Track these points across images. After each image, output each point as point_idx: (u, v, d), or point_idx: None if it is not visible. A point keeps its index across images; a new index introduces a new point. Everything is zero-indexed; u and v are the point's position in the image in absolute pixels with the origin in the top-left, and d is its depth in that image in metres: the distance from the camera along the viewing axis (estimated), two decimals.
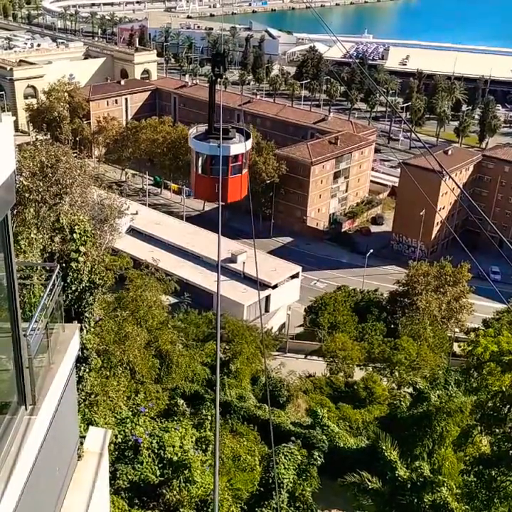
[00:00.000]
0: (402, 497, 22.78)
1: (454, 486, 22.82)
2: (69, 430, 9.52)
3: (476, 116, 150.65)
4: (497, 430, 26.36)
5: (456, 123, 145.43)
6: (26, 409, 7.55)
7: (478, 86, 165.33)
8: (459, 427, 28.80)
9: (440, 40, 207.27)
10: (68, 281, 19.06)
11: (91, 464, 9.82)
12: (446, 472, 26.82)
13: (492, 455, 24.30)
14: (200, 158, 21.26)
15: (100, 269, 20.59)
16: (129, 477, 18.63)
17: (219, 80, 19.56)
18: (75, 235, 19.64)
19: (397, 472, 23.38)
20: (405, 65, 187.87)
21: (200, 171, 21.31)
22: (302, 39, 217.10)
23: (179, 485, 19.00)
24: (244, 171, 21.26)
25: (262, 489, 22.86)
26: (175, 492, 18.89)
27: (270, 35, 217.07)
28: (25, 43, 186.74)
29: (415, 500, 22.10)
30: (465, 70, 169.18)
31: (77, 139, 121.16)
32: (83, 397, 20.17)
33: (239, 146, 20.57)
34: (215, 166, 20.43)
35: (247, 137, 21.28)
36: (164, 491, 19.00)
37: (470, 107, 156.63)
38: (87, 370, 20.19)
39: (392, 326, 66.15)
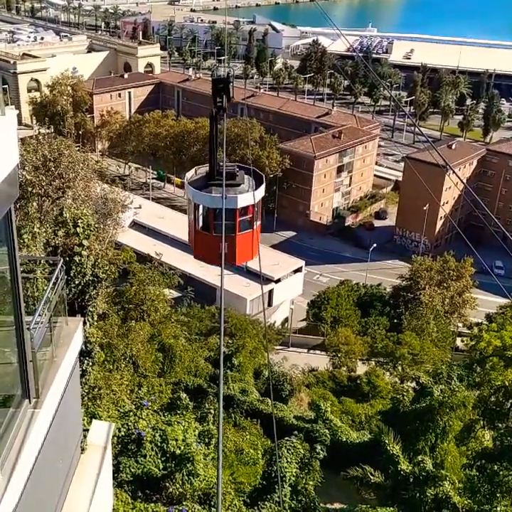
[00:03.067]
0: (404, 491, 22.82)
1: (456, 481, 22.85)
2: (72, 423, 9.54)
3: (480, 111, 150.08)
4: (500, 425, 26.41)
5: (460, 117, 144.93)
6: (30, 402, 7.57)
7: (483, 80, 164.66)
8: (461, 421, 28.82)
9: (444, 34, 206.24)
10: (72, 274, 19.10)
11: (94, 457, 9.84)
12: (449, 466, 26.83)
13: (494, 449, 24.34)
14: (201, 211, 17.71)
15: (103, 262, 20.62)
16: (132, 470, 18.69)
17: (223, 113, 15.88)
18: (78, 228, 19.66)
19: (399, 466, 23.40)
20: (409, 58, 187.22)
21: (200, 227, 17.78)
22: (306, 32, 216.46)
23: (182, 478, 19.06)
24: (256, 224, 17.48)
25: (264, 483, 22.92)
26: (178, 485, 18.96)
27: (274, 28, 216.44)
28: (29, 37, 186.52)
29: (418, 495, 22.13)
30: (469, 63, 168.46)
31: (80, 132, 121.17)
32: (86, 391, 20.23)
33: (248, 196, 16.78)
34: (219, 222, 16.66)
35: (259, 181, 17.37)
36: (167, 484, 19.07)
37: (474, 101, 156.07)
38: (91, 363, 20.25)
39: (395, 320, 66.13)
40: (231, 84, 15.89)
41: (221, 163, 16.69)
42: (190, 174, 18.40)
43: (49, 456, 7.80)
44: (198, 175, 18.14)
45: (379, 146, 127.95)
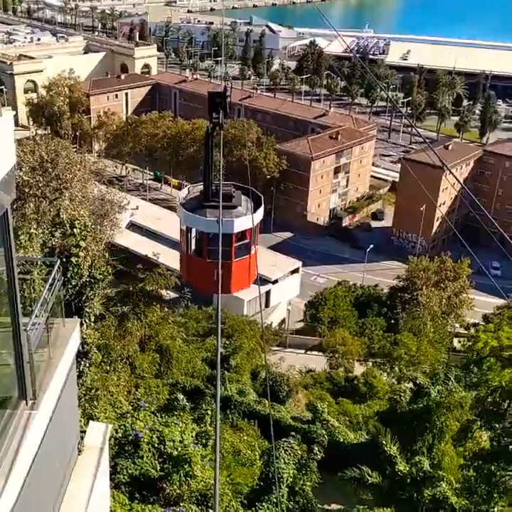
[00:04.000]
0: (401, 491, 22.85)
1: (453, 481, 22.88)
2: (69, 425, 9.53)
3: (477, 112, 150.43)
4: (497, 425, 26.44)
5: (456, 118, 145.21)
6: (27, 403, 7.56)
7: (479, 81, 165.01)
8: (458, 422, 28.85)
9: (441, 35, 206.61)
10: (68, 276, 19.07)
11: (91, 458, 9.83)
12: (446, 467, 26.85)
13: (491, 450, 24.36)
14: (193, 235, 16.50)
15: (100, 263, 20.60)
16: (130, 471, 18.67)
17: (220, 130, 14.84)
18: (75, 230, 19.64)
19: (396, 467, 23.43)
20: (406, 59, 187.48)
21: (192, 252, 16.60)
22: (303, 33, 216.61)
23: (179, 479, 19.04)
24: (254, 249, 16.33)
25: (262, 484, 22.92)
26: (175, 486, 18.94)
27: (271, 29, 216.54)
28: (25, 38, 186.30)
29: (415, 495, 22.16)
30: (466, 64, 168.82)
31: (77, 133, 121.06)
32: (83, 392, 20.20)
33: (246, 220, 15.62)
34: (214, 248, 15.41)
35: (257, 203, 16.29)
36: (164, 485, 19.05)
37: (471, 102, 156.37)
38: (88, 364, 20.22)
39: (392, 321, 66.19)
40: (228, 98, 14.86)
41: (217, 182, 15.67)
42: (183, 194, 17.26)
43: (46, 457, 7.79)
44: (192, 194, 16.90)
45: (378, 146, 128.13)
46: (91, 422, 10.84)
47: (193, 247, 16.65)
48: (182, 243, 16.98)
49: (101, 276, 20.46)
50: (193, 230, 16.40)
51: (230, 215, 15.52)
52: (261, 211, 16.28)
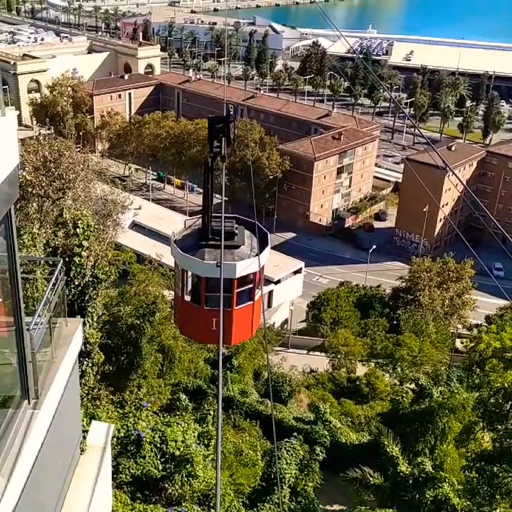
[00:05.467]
0: (403, 492, 22.81)
1: (455, 482, 22.85)
2: (72, 424, 9.54)
3: (480, 112, 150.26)
4: (499, 426, 26.39)
5: (459, 119, 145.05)
6: (29, 403, 7.57)
7: (483, 82, 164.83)
8: (461, 423, 28.82)
9: (444, 36, 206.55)
10: (71, 275, 19.09)
11: (94, 458, 9.84)
12: (448, 468, 26.82)
13: (494, 451, 24.32)
14: (189, 278, 14.60)
15: (103, 263, 20.62)
16: (132, 471, 18.68)
17: (221, 162, 12.91)
18: (78, 229, 19.66)
19: (399, 468, 23.40)
20: (409, 60, 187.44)
21: (188, 297, 14.61)
22: (306, 34, 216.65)
23: (181, 479, 19.05)
24: (258, 294, 14.51)
25: (263, 484, 22.90)
26: (177, 486, 18.95)
27: (274, 30, 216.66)
28: (29, 37, 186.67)
29: (417, 496, 22.13)
30: (469, 65, 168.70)
31: (81, 133, 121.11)
32: (86, 392, 20.22)
33: (250, 263, 13.66)
34: (212, 294, 13.64)
35: (263, 239, 14.49)
36: (166, 485, 19.06)
37: (474, 103, 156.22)
38: (90, 364, 20.24)
39: (395, 321, 66.12)
40: (232, 124, 12.76)
41: (217, 217, 13.60)
42: (178, 230, 15.19)
43: (48, 456, 7.80)
44: (188, 229, 14.94)
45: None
46: (93, 421, 10.85)
47: (189, 292, 14.54)
48: (176, 286, 14.91)
49: (104, 276, 20.48)
50: (189, 274, 14.51)
51: (231, 256, 13.61)
52: (267, 251, 14.43)
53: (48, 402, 7.72)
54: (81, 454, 9.75)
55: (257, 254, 13.97)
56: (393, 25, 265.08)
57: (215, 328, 12.01)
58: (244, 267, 13.65)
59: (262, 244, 14.45)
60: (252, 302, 14.27)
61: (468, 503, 21.22)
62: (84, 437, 10.11)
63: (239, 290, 13.87)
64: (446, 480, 22.17)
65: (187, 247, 14.14)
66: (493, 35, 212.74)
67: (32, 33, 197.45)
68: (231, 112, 13.09)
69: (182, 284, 14.67)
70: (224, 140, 12.82)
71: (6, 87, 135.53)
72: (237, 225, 14.38)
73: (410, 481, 22.83)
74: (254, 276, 14.04)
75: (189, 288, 14.76)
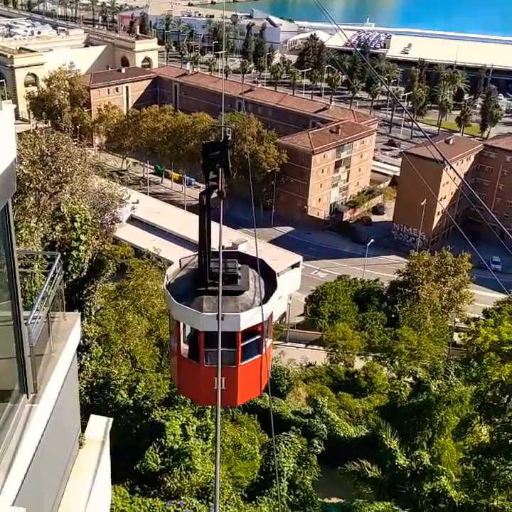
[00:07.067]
0: (401, 485, 22.91)
1: (453, 475, 22.94)
2: (70, 418, 9.55)
3: (478, 106, 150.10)
4: (496, 420, 26.46)
5: (457, 112, 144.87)
6: (28, 397, 7.57)
7: (481, 75, 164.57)
8: (458, 416, 28.91)
9: (443, 29, 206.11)
10: (69, 269, 19.07)
11: (93, 451, 9.86)
12: (446, 461, 26.91)
13: (491, 444, 24.40)
14: (185, 331, 12.86)
15: (101, 258, 20.60)
16: (131, 465, 18.73)
17: (219, 198, 11.10)
18: (75, 223, 19.63)
19: (396, 461, 23.48)
20: (407, 53, 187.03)
21: (185, 353, 12.76)
22: (304, 27, 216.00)
23: (180, 473, 19.12)
24: (267, 345, 12.63)
25: (262, 477, 22.99)
26: (176, 480, 19.01)
27: (272, 23, 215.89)
28: (26, 31, 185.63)
29: (415, 489, 22.22)
30: (467, 58, 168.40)
31: (78, 127, 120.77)
32: (84, 386, 20.23)
33: (255, 313, 11.79)
34: (212, 350, 11.83)
35: (271, 282, 12.68)
36: (165, 478, 19.12)
37: (472, 97, 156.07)
38: (89, 358, 20.26)
39: (393, 315, 66.25)
40: (230, 149, 10.91)
41: (217, 256, 11.61)
42: (171, 270, 13.23)
43: (47, 450, 7.80)
44: (183, 270, 13.10)
45: (391, 145, 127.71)
46: (92, 415, 10.85)
47: (187, 349, 12.71)
48: (172, 340, 12.99)
49: (102, 270, 20.47)
50: (185, 330, 12.80)
51: (234, 304, 11.84)
52: (276, 295, 12.38)
53: (46, 396, 7.72)
54: (80, 448, 9.77)
55: (264, 301, 11.95)
56: (391, 19, 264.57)
57: (217, 389, 9.39)
58: (249, 317, 11.79)
59: (270, 286, 12.54)
60: (260, 356, 12.41)
61: (465, 495, 21.31)
62: (83, 431, 10.12)
63: (244, 344, 12.10)
64: (444, 473, 22.26)
65: (182, 294, 12.25)
66: (492, 28, 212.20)
67: (29, 26, 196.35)
68: (229, 137, 11.07)
69: (177, 336, 12.66)
70: (221, 172, 10.97)
71: (3, 80, 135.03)
72: (240, 265, 12.40)
73: (408, 474, 22.92)
74: (262, 326, 12.12)
75: (186, 345, 12.86)
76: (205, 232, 11.73)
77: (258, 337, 12.22)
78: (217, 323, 10.01)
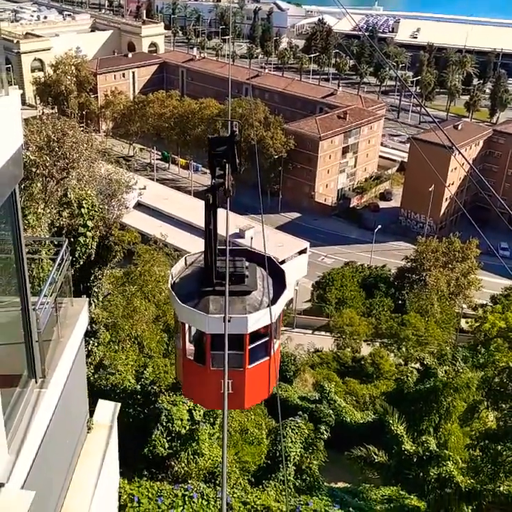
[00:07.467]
0: (408, 470, 22.97)
1: (459, 460, 22.98)
2: (78, 403, 9.61)
3: (487, 91, 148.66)
4: (503, 406, 26.45)
5: (466, 97, 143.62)
6: (36, 382, 7.62)
7: (490, 59, 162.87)
8: (465, 402, 28.93)
9: (452, 12, 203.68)
10: (76, 255, 19.12)
11: (101, 436, 9.93)
12: (452, 446, 26.98)
13: (498, 430, 24.43)
14: (191, 333, 12.52)
15: (108, 243, 20.64)
16: (139, 449, 18.88)
17: (225, 196, 10.72)
18: (82, 209, 19.65)
19: (403, 446, 23.53)
20: (416, 37, 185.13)
21: (190, 355, 12.44)
22: (311, 11, 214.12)
23: (187, 457, 19.24)
24: (275, 347, 12.20)
25: (269, 462, 23.10)
26: (183, 464, 19.15)
27: (279, 7, 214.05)
28: (32, 16, 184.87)
29: (421, 474, 22.28)
30: (477, 43, 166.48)
31: (84, 113, 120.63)
32: (92, 371, 20.36)
33: (265, 313, 11.43)
34: (219, 352, 11.51)
35: (280, 281, 12.30)
36: (173, 463, 19.26)
37: (481, 81, 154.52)
38: (96, 343, 20.38)
39: (400, 301, 66.20)
40: (237, 145, 10.48)
41: (223, 254, 11.16)
42: (177, 269, 12.85)
43: (56, 435, 7.86)
44: (189, 269, 12.76)
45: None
46: (100, 400, 10.92)
47: (193, 351, 12.37)
48: (179, 343, 12.59)
49: (109, 256, 20.52)
50: (191, 332, 12.49)
51: (242, 305, 11.51)
52: (286, 295, 12.02)
53: (54, 381, 7.77)
54: (88, 433, 9.84)
55: (273, 302, 11.61)
56: (400, 2, 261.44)
57: (223, 392, 9.13)
58: (257, 319, 11.41)
59: (278, 286, 12.16)
60: (268, 358, 12.05)
61: (471, 481, 21.36)
62: (91, 416, 10.19)
63: (252, 346, 11.71)
64: (450, 458, 22.30)
65: (187, 294, 11.88)
66: (503, 12, 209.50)
67: (35, 11, 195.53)
68: (236, 131, 10.57)
69: (182, 339, 12.28)
70: (228, 167, 10.47)
71: (9, 66, 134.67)
72: (247, 263, 12.00)
73: (415, 459, 22.97)
74: (271, 327, 11.74)
75: (192, 347, 12.48)
76: (211, 231, 11.35)
77: (266, 339, 11.90)
78: (224, 326, 9.66)
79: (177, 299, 11.81)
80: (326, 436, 25.93)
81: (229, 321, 10.21)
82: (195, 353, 12.33)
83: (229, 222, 10.32)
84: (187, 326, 12.21)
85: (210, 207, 11.13)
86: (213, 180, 10.67)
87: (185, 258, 13.13)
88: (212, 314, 11.36)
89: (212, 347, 11.63)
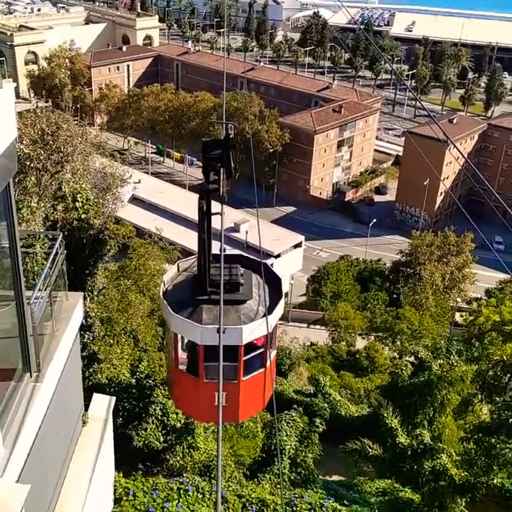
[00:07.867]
0: (402, 463, 23.07)
1: (453, 453, 23.09)
2: (73, 397, 9.60)
3: (482, 84, 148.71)
4: (497, 399, 26.63)
5: (461, 91, 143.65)
6: (31, 376, 7.60)
7: (486, 53, 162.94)
8: (459, 395, 29.06)
9: (447, 6, 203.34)
10: (71, 249, 19.06)
11: (96, 429, 9.94)
12: (447, 439, 27.09)
13: (492, 423, 24.55)
14: (184, 341, 12.03)
15: (103, 237, 20.59)
16: (134, 443, 18.89)
17: (220, 201, 10.27)
18: (77, 203, 19.59)
19: (397, 439, 23.63)
20: (411, 31, 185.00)
21: (183, 365, 12.00)
22: (306, 4, 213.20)
23: (182, 451, 19.28)
24: (271, 358, 11.84)
25: (264, 455, 23.17)
26: (178, 458, 19.18)
27: (274, 0, 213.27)
28: (25, 8, 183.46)
29: (415, 467, 22.38)
30: (472, 36, 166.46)
31: (79, 106, 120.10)
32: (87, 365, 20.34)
33: (259, 325, 11.00)
34: (212, 363, 11.03)
35: (276, 288, 11.92)
36: (168, 456, 19.30)
37: (476, 75, 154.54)
38: (91, 338, 20.34)
39: (395, 295, 66.35)
40: (232, 148, 10.10)
41: (217, 261, 10.61)
42: (168, 276, 12.30)
43: (51, 428, 7.86)
44: (181, 276, 12.18)
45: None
46: (95, 394, 10.92)
47: (185, 362, 11.91)
48: (171, 354, 12.05)
49: (103, 250, 20.47)
50: (183, 342, 12.00)
51: (237, 315, 11.08)
52: (281, 304, 11.59)
53: (49, 375, 7.76)
54: (83, 426, 9.84)
55: (269, 311, 11.13)
56: None
57: (217, 406, 8.90)
58: (252, 330, 10.97)
59: (274, 294, 11.69)
60: (263, 369, 11.59)
61: (465, 473, 21.47)
62: (86, 410, 10.19)
63: (247, 357, 11.27)
64: (445, 451, 22.41)
65: (180, 302, 11.37)
66: (498, 6, 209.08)
67: (28, 4, 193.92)
68: (231, 134, 10.25)
69: (175, 349, 11.73)
70: (222, 172, 10.09)
71: (3, 59, 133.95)
72: (242, 270, 11.54)
73: (409, 452, 23.08)
74: (266, 338, 11.29)
75: (184, 355, 11.99)
76: (204, 240, 10.92)
77: (262, 350, 11.47)
78: (218, 337, 9.31)
79: (169, 309, 11.34)
80: (320, 430, 26.02)
81: (223, 332, 9.79)
82: (188, 363, 11.84)
83: (223, 225, 10.04)
84: (179, 336, 11.78)
85: (204, 214, 10.71)
86: (208, 185, 10.30)
87: (178, 264, 12.63)
88: (206, 325, 10.89)
89: (206, 358, 11.19)
